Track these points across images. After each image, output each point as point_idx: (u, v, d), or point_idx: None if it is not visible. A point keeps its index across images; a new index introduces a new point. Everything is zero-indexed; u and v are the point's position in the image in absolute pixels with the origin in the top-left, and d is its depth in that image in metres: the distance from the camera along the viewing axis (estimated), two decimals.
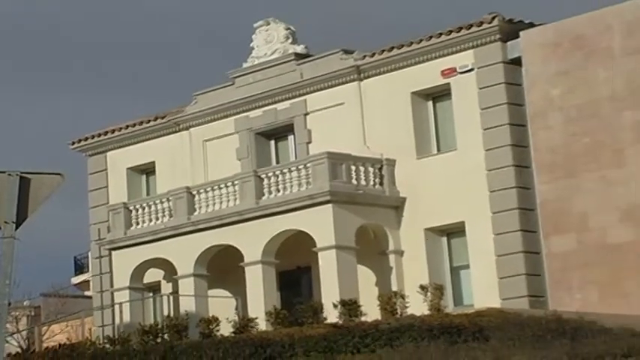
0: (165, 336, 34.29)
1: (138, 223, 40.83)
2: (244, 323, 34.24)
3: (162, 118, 43.83)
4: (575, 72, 34.76)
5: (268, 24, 41.93)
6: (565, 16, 35.64)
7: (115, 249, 41.44)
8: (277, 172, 38.32)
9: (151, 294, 42.19)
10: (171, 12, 72.49)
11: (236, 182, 38.81)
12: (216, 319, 34.62)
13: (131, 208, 41.25)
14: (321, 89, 40.05)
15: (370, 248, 37.25)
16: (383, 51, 38.62)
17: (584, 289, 33.48)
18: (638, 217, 32.98)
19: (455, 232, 37.03)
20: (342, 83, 39.54)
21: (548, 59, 35.34)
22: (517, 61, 36.05)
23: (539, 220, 34.94)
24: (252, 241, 37.78)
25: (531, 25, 36.24)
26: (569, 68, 34.88)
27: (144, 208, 40.97)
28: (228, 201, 38.80)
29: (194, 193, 39.74)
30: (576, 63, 34.77)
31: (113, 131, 44.96)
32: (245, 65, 42.12)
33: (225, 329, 34.15)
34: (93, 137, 45.44)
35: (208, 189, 39.58)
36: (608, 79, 34.11)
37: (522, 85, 35.92)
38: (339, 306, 33.21)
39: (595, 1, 35.60)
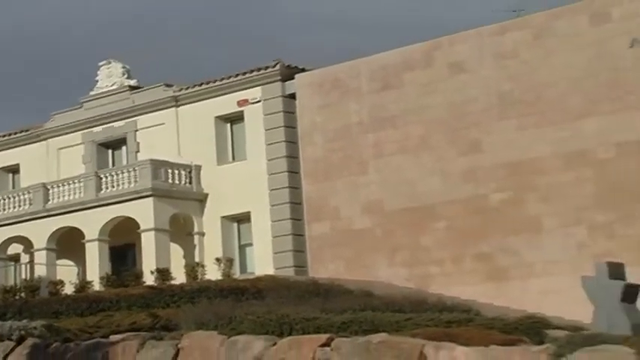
0: (22, 294, 33.48)
1: (4, 210, 40.00)
2: (83, 285, 33.73)
3: (27, 131, 43.03)
4: (333, 105, 35.00)
5: (110, 63, 41.51)
6: (328, 64, 35.82)
7: None
8: (113, 173, 38.09)
9: (13, 263, 41.12)
10: (37, 48, 71.19)
11: (81, 180, 38.44)
12: (61, 282, 34.16)
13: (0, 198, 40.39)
14: (148, 113, 39.66)
15: (180, 230, 37.06)
16: (195, 85, 38.46)
17: (335, 262, 33.70)
18: (374, 210, 33.36)
19: (243, 219, 36.90)
20: (164, 109, 39.22)
21: (314, 95, 35.53)
22: (292, 96, 36.12)
23: (304, 211, 35.03)
24: (91, 224, 37.37)
25: (303, 69, 36.38)
26: (329, 102, 35.11)
27: (9, 199, 40.18)
28: (75, 194, 38.36)
29: (49, 187, 39.21)
30: (334, 98, 35.01)
31: None
32: (91, 93, 41.59)
33: (69, 289, 33.61)
34: None
35: (60, 185, 39.05)
36: (357, 111, 34.43)
37: (295, 114, 35.95)
38: (155, 273, 32.87)
39: (349, 53, 36.07)
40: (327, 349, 20.41)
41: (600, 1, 30.44)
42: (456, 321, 21.70)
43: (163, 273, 32.64)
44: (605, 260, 21.74)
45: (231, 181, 36.76)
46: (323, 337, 20.80)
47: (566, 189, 29.99)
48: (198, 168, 37.79)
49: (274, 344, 21.28)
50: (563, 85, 30.60)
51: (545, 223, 30.18)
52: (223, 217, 36.99)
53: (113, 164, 41.02)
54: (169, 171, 37.25)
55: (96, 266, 36.50)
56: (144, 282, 32.64)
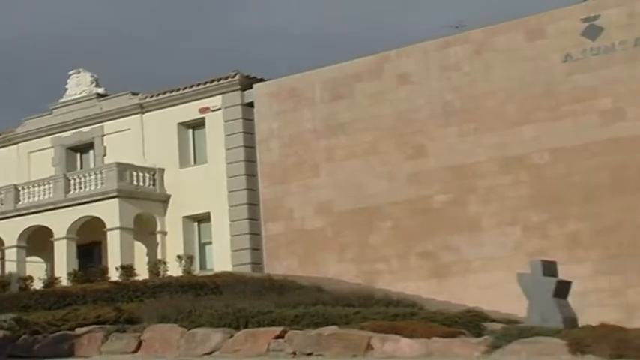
0: None
1: None
2: (51, 280, 33.26)
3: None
4: (288, 113, 34.93)
5: (79, 72, 41.16)
6: (284, 75, 35.73)
7: None
8: (81, 176, 37.70)
9: None
10: (9, 56, 70.43)
11: (51, 182, 37.98)
12: (31, 278, 33.69)
13: None
14: (115, 119, 39.32)
15: (144, 229, 36.73)
16: (159, 93, 38.19)
17: (289, 259, 33.57)
18: (325, 211, 33.30)
19: (203, 219, 36.65)
20: (129, 115, 38.92)
21: (271, 103, 35.43)
22: (251, 104, 35.96)
23: (260, 212, 34.86)
24: (60, 223, 36.92)
25: (261, 79, 36.24)
26: (285, 110, 35.03)
27: None
28: (44, 195, 37.89)
29: (19, 188, 38.66)
30: (290, 107, 34.93)
31: None
32: (61, 100, 41.16)
33: (38, 285, 33.17)
34: None
35: (30, 186, 38.55)
36: (311, 118, 34.38)
37: (253, 121, 35.79)
38: (120, 269, 32.50)
39: (304, 65, 36.03)
40: (281, 340, 20.42)
41: (535, 19, 30.66)
42: (401, 314, 21.75)
43: (127, 269, 32.27)
44: (539, 258, 21.87)
45: (192, 183, 36.53)
46: (277, 329, 20.81)
47: (503, 191, 30.16)
48: (162, 171, 37.50)
49: (231, 336, 21.26)
50: (501, 96, 30.77)
51: (484, 222, 30.31)
52: (185, 217, 36.75)
53: (81, 167, 40.65)
54: (134, 174, 36.94)
55: (64, 263, 36.08)
56: (109, 278, 32.23)
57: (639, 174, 28.12)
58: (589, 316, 21.47)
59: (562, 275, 20.93)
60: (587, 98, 29.23)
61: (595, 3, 30.37)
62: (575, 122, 29.35)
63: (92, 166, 39.63)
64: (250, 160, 35.52)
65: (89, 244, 37.43)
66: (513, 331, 18.83)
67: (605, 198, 28.46)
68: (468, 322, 20.75)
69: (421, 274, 30.68)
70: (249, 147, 35.68)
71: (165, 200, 37.23)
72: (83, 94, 40.65)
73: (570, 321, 19.66)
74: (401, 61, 32.88)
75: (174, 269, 32.74)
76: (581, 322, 19.77)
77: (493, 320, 21.58)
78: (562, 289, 20.46)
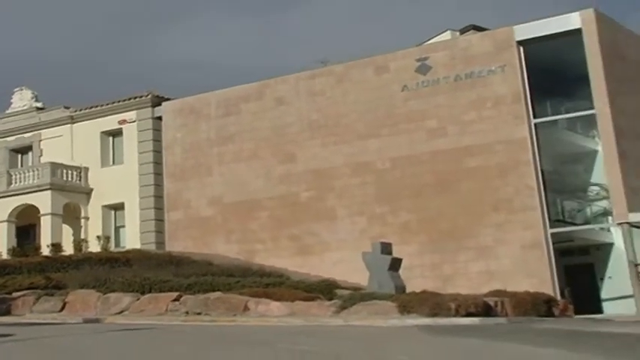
0: None
1: None
2: None
3: None
4: (189, 125, 34.35)
5: (22, 89, 39.72)
6: (186, 95, 35.13)
7: None
8: (21, 172, 36.23)
9: None
10: None
11: None
12: None
13: None
14: (50, 127, 38.01)
15: (71, 215, 35.54)
16: (86, 108, 37.11)
17: (186, 240, 32.95)
18: (216, 203, 32.83)
19: (119, 207, 35.71)
20: (62, 125, 37.66)
21: (175, 117, 34.80)
22: (160, 118, 35.25)
23: (164, 203, 34.14)
24: (2, 209, 35.41)
25: (168, 99, 35.58)
26: (186, 123, 34.44)
27: None
28: None
29: None
30: (191, 120, 34.36)
31: None
32: (7, 112, 39.57)
33: None
34: None
35: None
36: (206, 130, 33.90)
37: (161, 131, 35.10)
38: (50, 246, 31.40)
39: (202, 88, 35.54)
40: (177, 303, 20.26)
41: (381, 58, 30.93)
42: (272, 283, 21.66)
43: (56, 246, 31.18)
44: (379, 240, 22.03)
45: (111, 179, 35.67)
46: (174, 294, 20.68)
47: (354, 190, 30.31)
48: (87, 169, 36.48)
49: (138, 299, 20.96)
50: (354, 116, 30.94)
51: (339, 213, 30.41)
52: (104, 205, 35.84)
53: (22, 165, 39.16)
54: (64, 171, 35.84)
55: (5, 241, 34.72)
56: (41, 253, 31.08)
57: (455, 177, 28.64)
58: (414, 285, 21.74)
59: (395, 254, 21.14)
60: (418, 119, 29.65)
61: (426, 47, 30.93)
62: (409, 137, 29.72)
63: (30, 164, 38.24)
64: (157, 162, 34.82)
65: (26, 226, 36.05)
66: (357, 296, 18.95)
67: (430, 195, 28.90)
68: (324, 289, 20.77)
69: (289, 253, 30.58)
70: (157, 151, 34.99)
71: (88, 192, 36.19)
72: (25, 107, 39.31)
73: (400, 288, 19.86)
74: (278, 87, 32.73)
75: (94, 247, 31.89)
76: (409, 289, 19.99)
77: (343, 288, 21.66)
78: (395, 264, 20.67)
